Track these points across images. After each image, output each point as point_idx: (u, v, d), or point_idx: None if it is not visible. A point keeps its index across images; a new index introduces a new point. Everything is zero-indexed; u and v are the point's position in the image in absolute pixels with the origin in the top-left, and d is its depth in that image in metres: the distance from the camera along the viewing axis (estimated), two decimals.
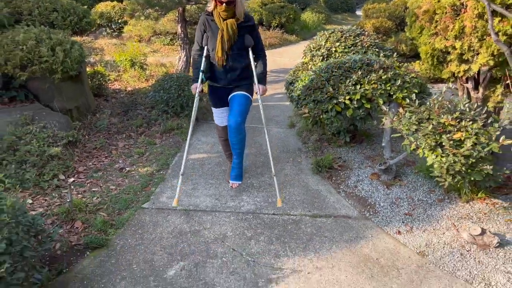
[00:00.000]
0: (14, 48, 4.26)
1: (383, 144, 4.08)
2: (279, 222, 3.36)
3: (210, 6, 3.28)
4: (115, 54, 8.07)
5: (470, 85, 4.64)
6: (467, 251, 2.92)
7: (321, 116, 4.11)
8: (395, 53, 5.01)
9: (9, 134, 3.99)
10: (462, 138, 3.08)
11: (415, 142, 3.26)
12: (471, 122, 3.17)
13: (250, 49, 3.44)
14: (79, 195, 3.62)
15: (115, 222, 3.26)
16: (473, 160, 3.00)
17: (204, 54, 3.41)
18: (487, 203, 3.43)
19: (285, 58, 10.69)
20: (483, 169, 3.02)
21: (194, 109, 3.45)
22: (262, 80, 3.51)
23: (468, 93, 4.73)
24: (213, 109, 3.72)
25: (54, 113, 4.66)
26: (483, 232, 2.93)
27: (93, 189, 3.76)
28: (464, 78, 4.60)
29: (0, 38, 4.37)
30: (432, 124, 3.20)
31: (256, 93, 3.49)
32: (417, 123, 3.38)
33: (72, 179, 3.85)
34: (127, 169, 4.26)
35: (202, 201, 3.67)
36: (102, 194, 3.67)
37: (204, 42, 3.39)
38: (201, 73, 3.37)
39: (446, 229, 3.19)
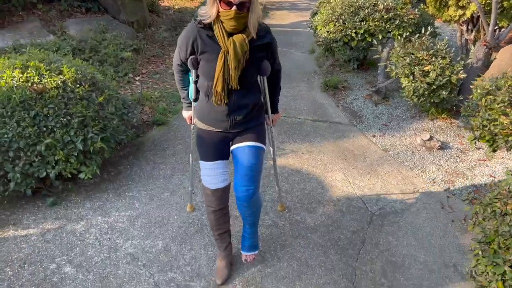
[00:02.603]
0: None
1: (378, 72, 5.14)
2: (288, 122, 4.60)
3: (208, 15, 2.00)
4: None
5: (464, 27, 5.48)
6: (417, 151, 4.12)
7: (332, 45, 5.15)
8: None
9: (91, 39, 5.23)
10: (430, 70, 4.12)
11: (395, 71, 4.33)
12: (440, 59, 4.18)
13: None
14: (144, 89, 4.93)
15: (172, 109, 4.58)
16: (434, 87, 4.07)
17: (192, 79, 2.25)
18: (446, 122, 4.55)
19: None
20: (441, 94, 4.10)
21: (192, 142, 2.54)
22: (276, 106, 2.56)
23: (463, 34, 5.58)
24: (201, 162, 2.32)
25: (121, 24, 5.86)
26: (431, 138, 4.10)
27: (154, 86, 5.08)
28: (460, 21, 5.43)
29: None
30: (410, 57, 4.23)
31: (268, 124, 2.53)
32: (403, 56, 4.41)
33: (138, 77, 5.14)
34: None
35: None
36: (161, 90, 4.97)
37: (191, 65, 2.15)
38: (193, 102, 2.36)
39: (408, 136, 4.37)
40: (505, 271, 2.26)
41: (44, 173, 2.91)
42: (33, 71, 3.06)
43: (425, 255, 2.85)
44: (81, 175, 3.05)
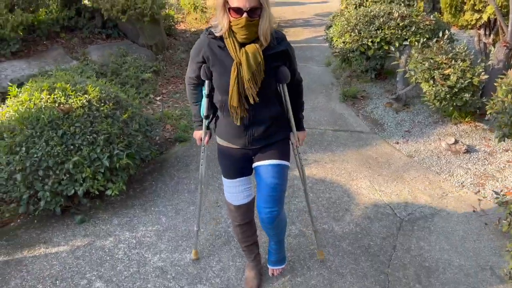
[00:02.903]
0: None
1: (397, 79, 5.11)
2: (309, 133, 4.57)
3: (220, 27, 1.93)
4: None
5: (482, 31, 5.42)
6: (443, 155, 4.04)
7: (349, 55, 5.16)
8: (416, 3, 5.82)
9: (112, 62, 5.38)
10: (450, 73, 4.07)
11: (415, 76, 4.29)
12: (460, 61, 4.14)
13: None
14: (165, 108, 5.02)
15: (193, 127, 4.63)
16: (456, 90, 4.02)
17: (205, 92, 2.14)
18: (471, 125, 4.46)
19: (333, 2, 11.35)
20: (463, 97, 4.04)
21: (201, 167, 2.45)
22: (301, 123, 2.36)
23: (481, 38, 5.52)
24: (224, 180, 2.28)
25: (141, 48, 6.02)
26: (456, 142, 4.02)
27: (175, 105, 5.16)
28: (477, 25, 5.38)
29: None
30: (429, 62, 4.19)
31: (293, 144, 2.34)
32: (421, 61, 4.38)
33: (159, 97, 5.24)
34: None
35: None
36: (181, 108, 5.05)
37: (204, 74, 2.05)
38: (204, 120, 2.26)
39: (433, 141, 4.29)
40: None
41: (73, 191, 2.96)
42: (60, 92, 3.16)
43: (460, 259, 2.76)
44: (108, 192, 3.09)
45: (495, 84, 3.44)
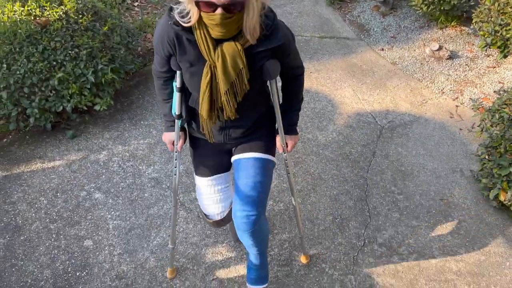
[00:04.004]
0: None
1: None
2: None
3: (188, 17, 1.39)
4: None
5: None
6: (426, 62, 4.09)
7: None
8: None
9: None
10: None
11: None
12: None
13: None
14: (144, 16, 4.80)
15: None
16: None
17: (177, 84, 1.64)
18: (456, 30, 4.44)
19: None
20: (451, 1, 3.96)
21: (174, 177, 1.93)
22: (295, 126, 1.87)
23: None
24: (196, 178, 1.89)
25: None
26: (440, 48, 4.04)
27: (154, 12, 4.93)
28: None
29: None
30: None
31: (282, 149, 1.86)
32: None
33: (137, 3, 4.98)
34: None
35: None
36: (161, 15, 4.82)
37: (175, 66, 1.57)
38: (176, 120, 1.76)
39: (417, 47, 4.30)
40: (510, 172, 2.39)
41: (61, 107, 2.98)
42: (34, 4, 2.99)
43: (433, 162, 2.99)
44: (97, 107, 3.12)
45: None
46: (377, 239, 2.47)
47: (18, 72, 2.82)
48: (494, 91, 2.80)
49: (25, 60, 2.84)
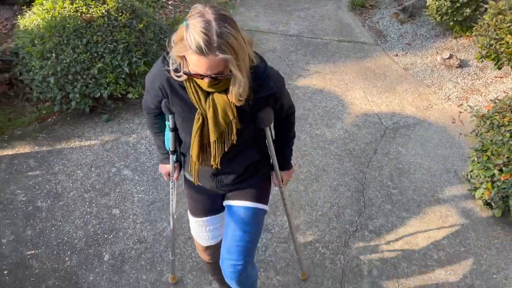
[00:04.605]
0: None
1: None
2: (314, 43, 4.81)
3: (179, 70, 1.40)
4: None
5: None
6: (437, 69, 4.31)
7: None
8: None
9: None
10: None
11: None
12: None
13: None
14: (177, 14, 5.20)
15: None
16: (458, 5, 4.13)
17: (169, 125, 1.69)
18: (470, 40, 4.63)
19: None
20: (464, 12, 4.16)
21: (171, 203, 2.05)
22: (289, 161, 1.93)
23: None
24: (189, 215, 1.91)
25: None
26: (451, 56, 4.25)
27: (186, 10, 5.32)
28: None
29: None
30: None
31: (276, 185, 1.96)
32: None
33: (171, 1, 5.39)
34: None
35: (261, 25, 5.14)
36: None
37: (165, 109, 1.60)
38: (171, 155, 1.81)
39: (430, 55, 4.52)
40: (494, 173, 2.64)
41: (98, 94, 3.40)
42: (81, 2, 3.42)
43: (430, 162, 3.24)
44: (129, 95, 3.53)
45: (485, 6, 3.56)
46: (369, 226, 2.77)
47: (64, 61, 3.25)
48: (491, 100, 3.03)
49: (71, 51, 3.27)
